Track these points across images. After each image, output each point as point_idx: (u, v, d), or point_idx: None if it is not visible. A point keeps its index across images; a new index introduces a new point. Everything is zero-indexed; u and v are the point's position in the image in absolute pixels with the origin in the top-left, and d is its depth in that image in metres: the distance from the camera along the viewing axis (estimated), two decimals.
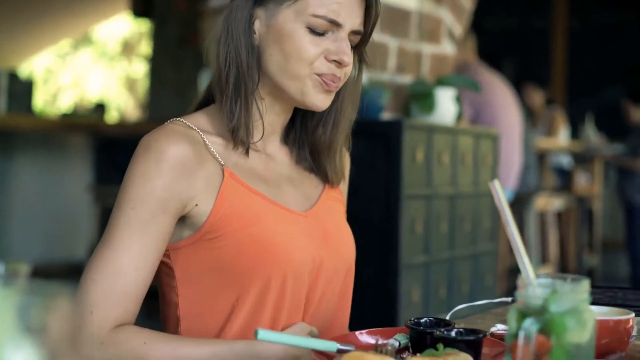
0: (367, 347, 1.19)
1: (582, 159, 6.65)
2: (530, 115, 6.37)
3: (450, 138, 3.17)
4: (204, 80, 3.37)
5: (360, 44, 1.42)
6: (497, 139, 3.53)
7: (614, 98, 7.25)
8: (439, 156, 3.08)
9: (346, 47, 1.36)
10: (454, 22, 3.71)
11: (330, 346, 1.14)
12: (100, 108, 7.42)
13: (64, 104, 12.13)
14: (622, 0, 8.41)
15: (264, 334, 1.11)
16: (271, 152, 1.45)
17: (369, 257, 2.88)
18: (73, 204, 5.66)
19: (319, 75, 1.35)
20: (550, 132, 6.69)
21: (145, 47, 11.00)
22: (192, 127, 1.37)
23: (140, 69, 12.12)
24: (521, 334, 0.93)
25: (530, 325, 0.94)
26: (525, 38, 8.69)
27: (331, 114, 1.45)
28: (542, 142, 5.99)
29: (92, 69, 12.91)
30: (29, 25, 7.12)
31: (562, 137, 6.72)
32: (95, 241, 4.01)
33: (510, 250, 4.58)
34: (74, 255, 5.58)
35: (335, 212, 1.50)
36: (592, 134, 6.73)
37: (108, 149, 5.67)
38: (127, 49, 12.67)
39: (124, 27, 12.15)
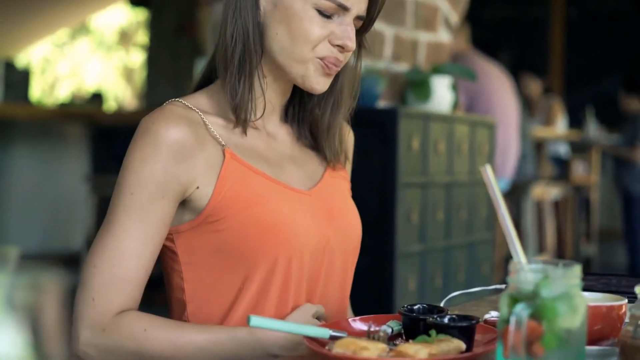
0: (359, 334, 1.19)
1: (580, 148, 6.65)
2: (527, 105, 6.37)
3: (446, 126, 3.16)
4: (200, 69, 3.35)
5: (362, 29, 1.42)
6: (493, 127, 3.53)
7: (612, 87, 7.25)
8: (435, 144, 3.08)
9: (351, 32, 1.35)
10: (450, 10, 3.70)
11: (323, 333, 1.14)
12: (97, 98, 7.41)
13: (62, 94, 12.12)
14: None
15: (256, 320, 1.11)
16: (272, 131, 1.44)
17: (364, 245, 2.87)
18: (70, 193, 5.66)
19: (321, 58, 1.35)
20: (547, 121, 6.68)
21: (143, 37, 10.98)
22: (191, 108, 1.36)
23: (137, 59, 12.10)
24: (512, 319, 0.93)
25: (521, 310, 0.93)
26: (522, 28, 8.68)
27: (330, 96, 1.44)
28: (540, 131, 5.98)
29: (90, 58, 12.89)
30: (26, 14, 7.11)
31: (560, 126, 6.72)
32: (92, 231, 4.01)
33: None
34: (72, 244, 5.57)
35: (340, 190, 1.49)
36: (592, 128, 6.72)
37: (105, 139, 5.66)
38: (125, 38, 12.64)
39: (121, 16, 12.13)
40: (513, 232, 1.01)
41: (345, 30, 1.35)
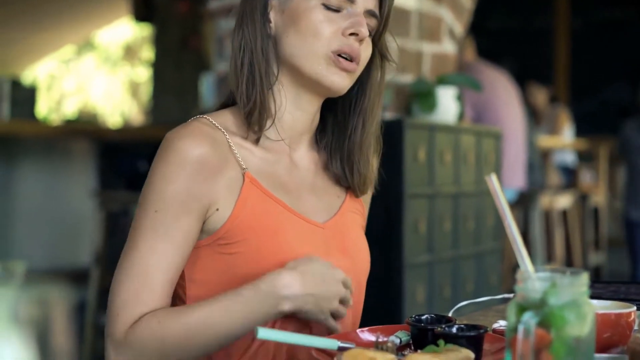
0: (368, 345, 1.19)
1: (587, 157, 6.62)
2: (533, 114, 6.36)
3: (452, 137, 3.16)
4: (204, 82, 3.37)
5: (377, 34, 1.41)
6: (499, 138, 3.52)
7: (617, 95, 7.23)
8: (441, 155, 3.07)
9: (362, 20, 1.34)
10: (454, 21, 3.70)
11: (331, 344, 1.14)
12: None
13: (68, 110, 12.15)
14: None
15: (264, 332, 1.11)
16: (296, 158, 1.43)
17: (372, 257, 2.86)
18: (77, 209, 5.66)
19: (335, 52, 1.34)
20: (554, 130, 6.67)
21: (147, 52, 11.01)
22: (217, 127, 1.35)
23: (142, 74, 12.13)
24: (520, 328, 0.93)
25: (529, 318, 0.93)
26: (527, 38, 8.68)
27: (361, 114, 1.42)
28: (546, 141, 5.97)
29: (95, 74, 12.92)
30: (32, 31, 7.13)
31: (567, 135, 6.71)
32: (100, 247, 4.01)
33: None
34: (79, 261, 5.57)
35: (354, 224, 1.48)
36: None
37: (111, 154, 5.67)
38: (130, 53, 12.68)
39: (126, 31, 12.17)
40: (520, 240, 1.00)
41: (355, 20, 1.34)
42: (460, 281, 3.19)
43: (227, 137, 1.35)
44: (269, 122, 1.38)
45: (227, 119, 1.38)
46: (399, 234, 2.84)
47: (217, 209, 1.31)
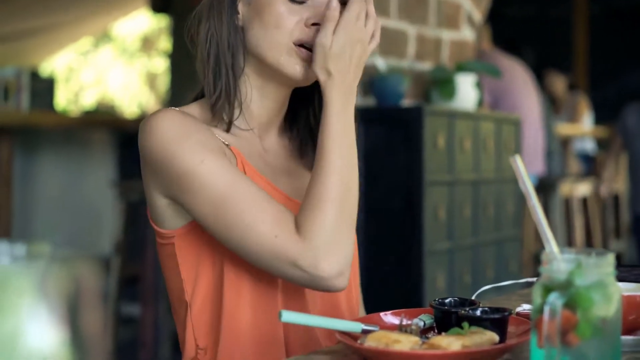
0: (391, 328, 1.19)
1: (606, 144, 6.58)
2: (552, 102, 6.32)
3: (471, 124, 3.15)
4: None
5: None
6: (518, 124, 3.51)
7: (637, 82, 7.19)
8: (461, 142, 3.06)
9: (325, 9, 1.32)
10: (473, 8, 3.68)
11: (355, 327, 1.14)
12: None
13: (86, 102, 12.19)
14: None
15: (287, 315, 1.11)
16: (267, 146, 1.43)
17: (392, 244, 2.87)
18: (97, 200, 5.69)
19: (297, 43, 1.34)
20: (574, 118, 6.64)
21: (165, 43, 11.03)
22: (188, 115, 1.35)
23: (160, 65, 12.15)
24: (546, 309, 0.92)
25: (555, 299, 0.93)
26: (545, 25, 8.64)
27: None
28: (565, 128, 5.93)
29: (113, 66, 12.96)
30: (50, 23, 7.15)
31: (586, 122, 6.67)
32: (120, 236, 4.02)
33: (536, 237, 4.53)
34: (99, 250, 5.60)
35: None
36: None
37: (131, 145, 5.69)
38: (147, 45, 12.70)
39: (143, 23, 12.19)
40: (545, 222, 1.00)
41: (318, 9, 1.34)
42: (481, 268, 3.18)
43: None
44: (237, 112, 1.38)
45: (194, 111, 1.39)
46: (419, 221, 2.83)
47: None
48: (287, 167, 1.44)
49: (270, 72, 1.37)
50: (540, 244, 3.81)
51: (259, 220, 1.25)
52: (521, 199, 3.36)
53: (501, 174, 3.31)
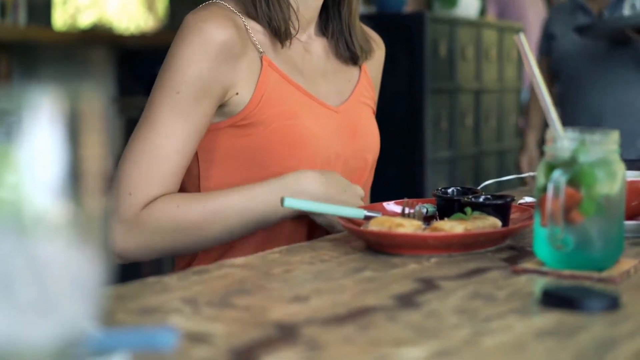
0: (394, 215, 1.19)
1: None
2: None
3: (474, 32, 3.11)
4: None
5: None
6: (522, 33, 3.47)
7: None
8: (463, 50, 3.03)
9: None
10: None
11: (358, 213, 1.14)
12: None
13: (84, 23, 12.07)
14: None
15: (290, 201, 1.11)
16: (307, 44, 1.44)
17: (393, 153, 2.86)
18: None
19: None
20: None
21: None
22: (234, 11, 1.35)
23: None
24: (550, 186, 0.92)
25: (559, 176, 0.92)
26: None
27: None
28: None
29: None
30: None
31: None
32: (120, 152, 4.02)
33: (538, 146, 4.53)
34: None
35: (365, 109, 1.49)
36: None
37: (129, 61, 5.65)
38: None
39: None
40: (549, 99, 0.98)
41: None
42: (482, 177, 3.18)
43: (244, 21, 1.35)
44: (289, 11, 1.37)
45: (243, 4, 1.38)
46: (421, 130, 2.82)
47: (237, 93, 1.31)
48: (324, 68, 1.45)
49: None
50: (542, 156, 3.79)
51: (136, 169, 1.26)
52: (524, 110, 3.34)
53: (504, 84, 3.29)
